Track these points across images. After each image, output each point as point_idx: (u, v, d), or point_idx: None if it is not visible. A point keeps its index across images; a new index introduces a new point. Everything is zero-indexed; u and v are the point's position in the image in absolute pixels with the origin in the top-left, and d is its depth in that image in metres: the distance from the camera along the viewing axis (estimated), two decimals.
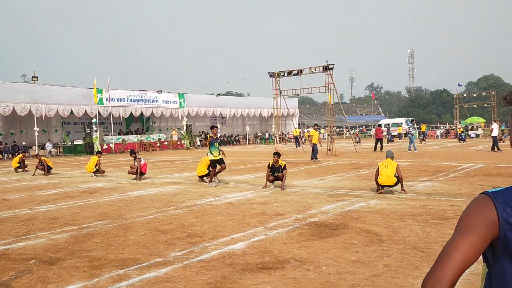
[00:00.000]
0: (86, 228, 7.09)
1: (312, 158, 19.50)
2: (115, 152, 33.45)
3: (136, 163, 14.30)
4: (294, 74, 23.69)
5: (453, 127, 48.74)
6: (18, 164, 19.09)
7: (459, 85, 49.96)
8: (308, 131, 31.48)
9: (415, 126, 25.60)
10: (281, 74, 24.39)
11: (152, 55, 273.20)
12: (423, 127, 45.67)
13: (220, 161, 12.11)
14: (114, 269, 4.88)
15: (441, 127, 53.92)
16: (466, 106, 49.94)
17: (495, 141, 22.08)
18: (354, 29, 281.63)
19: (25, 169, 19.20)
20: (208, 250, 5.57)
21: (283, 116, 44.35)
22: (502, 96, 1.35)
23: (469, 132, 42.38)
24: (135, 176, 14.23)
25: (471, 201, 1.30)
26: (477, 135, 42.88)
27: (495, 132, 22.66)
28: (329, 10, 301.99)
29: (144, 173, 14.45)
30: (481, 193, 1.30)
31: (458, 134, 36.41)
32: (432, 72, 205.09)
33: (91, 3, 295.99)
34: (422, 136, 36.81)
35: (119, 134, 37.80)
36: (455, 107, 48.96)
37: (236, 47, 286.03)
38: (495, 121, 24.92)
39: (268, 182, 11.19)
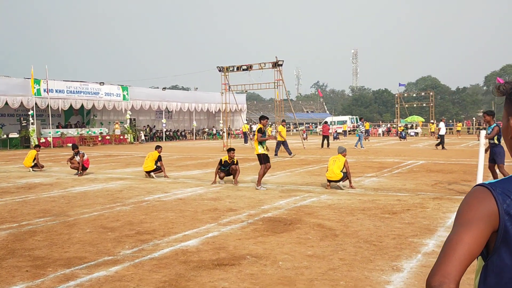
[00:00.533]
0: (26, 225, 6.62)
1: (275, 154, 19.20)
2: (53, 146, 31.88)
3: (78, 158, 13.64)
4: (243, 69, 23.60)
5: (394, 126, 50.78)
6: None
7: (400, 85, 52.05)
8: (255, 127, 31.44)
9: (363, 124, 26.20)
10: (231, 69, 24.22)
11: (94, 45, 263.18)
12: (367, 125, 47.18)
13: (267, 158, 10.33)
14: (59, 269, 4.56)
15: (383, 125, 55.99)
16: (406, 106, 52.12)
17: (442, 140, 22.74)
18: (301, 27, 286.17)
19: None
20: (160, 247, 5.36)
21: (231, 112, 44.17)
22: (495, 86, 1.31)
23: (409, 131, 44.25)
24: (76, 171, 13.58)
25: (468, 194, 1.26)
26: (416, 134, 44.89)
27: (443, 131, 23.28)
28: (277, 7, 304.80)
29: (86, 168, 13.83)
30: (477, 185, 1.26)
31: (399, 132, 37.94)
32: (374, 72, 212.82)
33: None
34: (366, 134, 38.00)
35: (57, 127, 36.06)
36: (396, 106, 50.96)
37: (183, 41, 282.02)
38: (442, 120, 25.85)
39: (217, 177, 11.04)
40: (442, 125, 23.99)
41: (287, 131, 28.80)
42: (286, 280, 4.18)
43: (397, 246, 5.20)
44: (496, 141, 8.89)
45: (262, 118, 10.79)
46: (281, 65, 22.79)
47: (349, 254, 4.94)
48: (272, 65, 22.85)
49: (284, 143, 19.58)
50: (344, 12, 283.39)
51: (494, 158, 9.06)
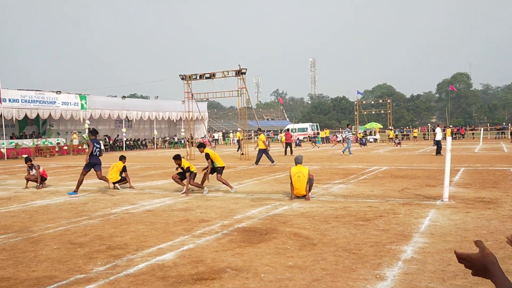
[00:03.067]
0: None
1: (256, 163, 19.10)
2: (7, 158, 30.45)
3: (34, 171, 13.00)
4: (206, 78, 23.42)
5: (353, 132, 51.81)
6: None
7: (358, 92, 53.29)
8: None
9: (352, 131, 26.26)
10: (193, 77, 23.98)
11: (50, 52, 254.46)
12: (327, 132, 47.95)
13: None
14: None
15: (342, 132, 57.04)
16: (365, 113, 53.37)
17: (439, 145, 22.05)
18: (260, 36, 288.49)
19: None
20: (135, 262, 5.13)
21: (193, 120, 43.75)
22: None
23: (368, 137, 45.30)
24: (36, 184, 12.97)
25: None
26: (375, 140, 46.03)
27: (439, 136, 22.62)
28: (236, 15, 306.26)
29: (45, 179, 13.23)
30: None
31: (359, 138, 38.75)
32: (332, 80, 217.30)
33: None
34: (325, 141, 38.57)
35: (11, 138, 34.50)
36: (355, 113, 52.09)
37: (143, 49, 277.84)
38: (438, 125, 25.66)
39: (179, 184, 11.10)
40: (438, 130, 23.24)
41: (248, 138, 28.76)
42: None
43: (377, 253, 5.21)
44: None
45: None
46: (245, 73, 22.78)
47: (330, 263, 4.90)
48: (236, 73, 22.81)
49: (265, 151, 19.30)
50: (302, 21, 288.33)
51: None
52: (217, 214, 8.04)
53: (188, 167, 10.86)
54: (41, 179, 13.03)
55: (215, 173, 11.13)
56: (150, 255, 5.42)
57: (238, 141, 32.71)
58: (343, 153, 24.46)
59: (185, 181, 10.86)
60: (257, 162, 19.17)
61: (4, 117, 31.27)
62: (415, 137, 46.62)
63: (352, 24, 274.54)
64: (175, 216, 7.90)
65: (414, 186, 10.90)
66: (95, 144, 11.49)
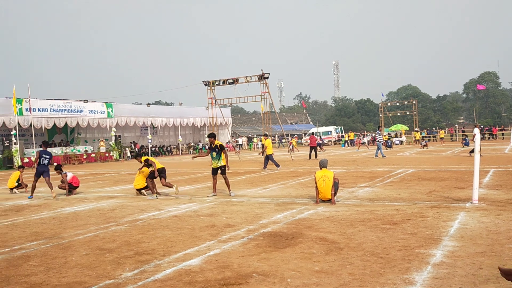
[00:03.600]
0: (19, 250, 6.37)
1: (264, 167, 19.56)
2: None
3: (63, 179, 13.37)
4: (229, 83, 23.58)
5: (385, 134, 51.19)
6: None
7: (383, 95, 52.69)
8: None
9: (382, 133, 25.81)
10: (217, 83, 24.17)
11: (77, 62, 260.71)
12: (351, 135, 47.52)
13: (215, 171, 11.49)
14: None
15: (367, 134, 56.44)
16: (390, 115, 52.69)
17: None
18: (282, 40, 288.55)
19: None
20: (162, 268, 5.18)
21: (216, 126, 44.05)
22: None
23: (394, 139, 44.66)
24: (65, 191, 13.29)
25: None
26: (401, 142, 45.33)
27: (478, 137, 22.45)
28: (258, 20, 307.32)
29: (75, 187, 13.52)
30: None
31: (384, 141, 38.26)
32: (355, 83, 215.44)
33: (6, 7, 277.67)
34: (350, 143, 38.24)
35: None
36: (380, 115, 51.47)
37: (166, 56, 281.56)
38: (476, 126, 25.03)
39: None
40: (476, 131, 22.44)
41: (272, 143, 28.75)
42: None
43: (405, 258, 5.12)
44: None
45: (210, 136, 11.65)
46: (267, 78, 22.84)
47: (357, 268, 4.84)
48: (258, 78, 22.89)
49: (270, 156, 19.56)
50: (324, 24, 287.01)
51: None
52: (243, 219, 8.05)
53: (221, 145, 11.40)
54: (70, 187, 13.32)
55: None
56: (177, 261, 5.46)
57: (263, 145, 32.82)
58: (376, 156, 24.03)
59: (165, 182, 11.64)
60: (265, 166, 19.74)
61: (33, 126, 32.16)
62: (441, 138, 45.70)
63: (375, 25, 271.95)
64: (201, 222, 7.95)
65: (442, 189, 10.68)
66: (43, 155, 12.93)
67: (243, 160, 26.84)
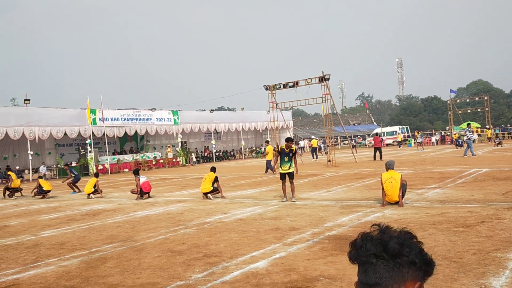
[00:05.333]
0: (96, 252, 6.79)
1: (266, 172, 21.06)
2: (111, 172, 33.02)
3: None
4: (290, 86, 23.59)
5: (448, 133, 48.91)
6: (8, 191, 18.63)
7: (451, 91, 50.28)
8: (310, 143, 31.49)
9: (472, 130, 24.41)
10: (277, 86, 24.27)
11: (145, 74, 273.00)
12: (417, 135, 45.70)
13: (284, 176, 11.18)
14: None
15: (436, 133, 54.08)
16: (459, 112, 50.19)
17: None
18: (341, 40, 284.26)
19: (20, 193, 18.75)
20: (230, 270, 5.31)
21: (278, 129, 44.24)
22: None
23: (465, 136, 42.40)
24: (136, 196, 13.94)
25: None
26: (473, 140, 42.93)
27: None
28: (317, 20, 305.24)
29: (145, 193, 14.13)
30: None
31: (455, 140, 36.48)
32: (421, 80, 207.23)
33: (80, 24, 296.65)
34: (418, 142, 36.87)
35: (113, 154, 37.38)
36: (449, 113, 49.17)
37: (225, 64, 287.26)
38: None
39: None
40: None
41: (335, 144, 28.37)
42: None
43: (480, 262, 4.88)
44: None
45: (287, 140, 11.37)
46: (328, 79, 22.59)
47: None
48: (319, 80, 22.69)
49: (267, 162, 21.47)
50: (386, 20, 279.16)
51: None
52: (307, 222, 8.04)
53: (296, 150, 11.41)
54: (141, 192, 13.93)
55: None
56: (244, 263, 5.56)
57: (314, 148, 32.60)
58: (465, 155, 22.81)
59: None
60: (266, 171, 21.17)
61: (106, 135, 34.03)
62: None
63: (439, 19, 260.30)
64: (265, 225, 8.04)
65: None
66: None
67: (306, 163, 26.72)
